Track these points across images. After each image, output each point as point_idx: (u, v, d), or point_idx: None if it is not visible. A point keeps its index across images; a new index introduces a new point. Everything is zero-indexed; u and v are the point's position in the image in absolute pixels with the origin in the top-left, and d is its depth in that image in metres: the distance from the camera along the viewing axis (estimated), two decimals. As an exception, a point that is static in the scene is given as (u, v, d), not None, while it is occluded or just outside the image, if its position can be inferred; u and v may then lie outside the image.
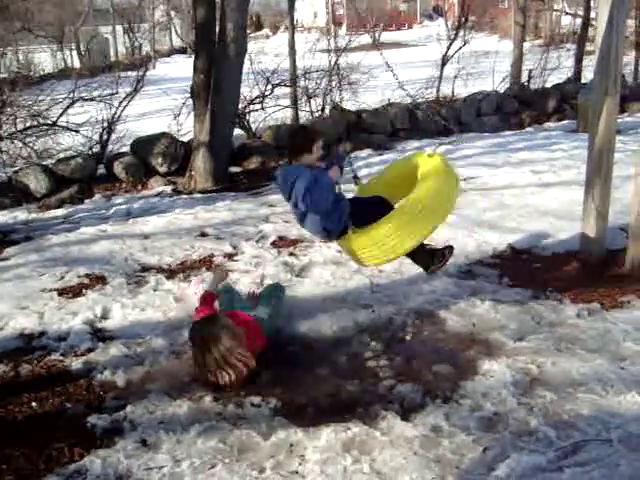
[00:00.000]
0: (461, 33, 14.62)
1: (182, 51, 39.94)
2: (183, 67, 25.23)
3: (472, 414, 3.53)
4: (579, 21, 26.71)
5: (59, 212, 8.30)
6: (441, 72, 13.89)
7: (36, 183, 8.95)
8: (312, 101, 12.23)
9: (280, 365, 4.17)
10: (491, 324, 4.60)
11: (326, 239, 4.71)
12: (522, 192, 8.01)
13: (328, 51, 13.46)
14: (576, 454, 3.16)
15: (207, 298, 4.40)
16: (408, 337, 4.49)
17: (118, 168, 9.44)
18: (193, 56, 9.52)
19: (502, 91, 14.60)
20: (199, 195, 8.66)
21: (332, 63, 12.15)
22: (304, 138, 4.47)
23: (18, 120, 10.47)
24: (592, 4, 16.72)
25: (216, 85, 8.76)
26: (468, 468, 3.08)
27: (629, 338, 4.27)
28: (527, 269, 5.67)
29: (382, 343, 4.41)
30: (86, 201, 8.82)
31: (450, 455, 3.18)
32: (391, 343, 4.41)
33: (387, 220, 4.19)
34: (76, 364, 4.19)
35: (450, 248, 4.66)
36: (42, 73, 21.47)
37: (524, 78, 15.60)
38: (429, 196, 4.23)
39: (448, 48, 14.11)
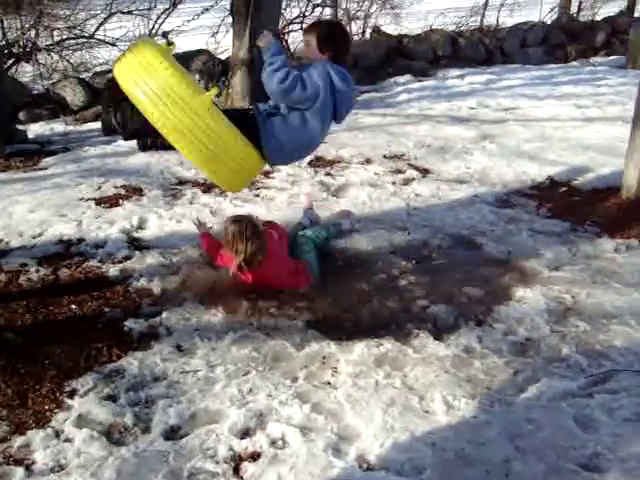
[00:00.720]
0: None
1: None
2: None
3: (505, 338, 3.53)
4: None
5: (95, 125, 8.29)
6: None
7: (73, 96, 8.93)
8: (353, 24, 11.92)
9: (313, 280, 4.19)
10: (527, 252, 4.56)
11: None
12: (564, 125, 7.83)
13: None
14: (606, 382, 3.16)
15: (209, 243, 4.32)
16: (443, 260, 4.47)
17: (155, 84, 9.36)
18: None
19: (549, 22, 14.10)
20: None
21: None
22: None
23: (55, 32, 10.41)
24: None
25: (257, 2, 8.55)
26: (498, 388, 3.10)
27: (666, 275, 4.21)
28: (566, 202, 5.58)
29: (417, 265, 4.39)
30: (123, 115, 8.77)
31: (481, 375, 3.19)
32: (425, 265, 4.40)
33: None
34: (113, 271, 4.25)
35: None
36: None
37: (574, 9, 15.03)
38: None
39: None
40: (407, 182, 5.84)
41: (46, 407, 2.99)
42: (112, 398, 3.02)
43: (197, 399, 2.99)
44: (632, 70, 11.91)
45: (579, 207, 5.45)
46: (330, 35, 3.66)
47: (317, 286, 4.08)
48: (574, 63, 13.03)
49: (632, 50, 12.25)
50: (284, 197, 5.42)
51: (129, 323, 3.62)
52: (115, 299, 3.93)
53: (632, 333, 3.56)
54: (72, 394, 3.06)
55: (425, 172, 6.15)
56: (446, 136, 7.09)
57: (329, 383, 3.13)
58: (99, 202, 5.39)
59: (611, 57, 13.60)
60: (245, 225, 3.94)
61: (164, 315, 3.70)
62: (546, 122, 7.95)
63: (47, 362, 3.30)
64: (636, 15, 14.99)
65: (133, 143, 4.61)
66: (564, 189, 5.88)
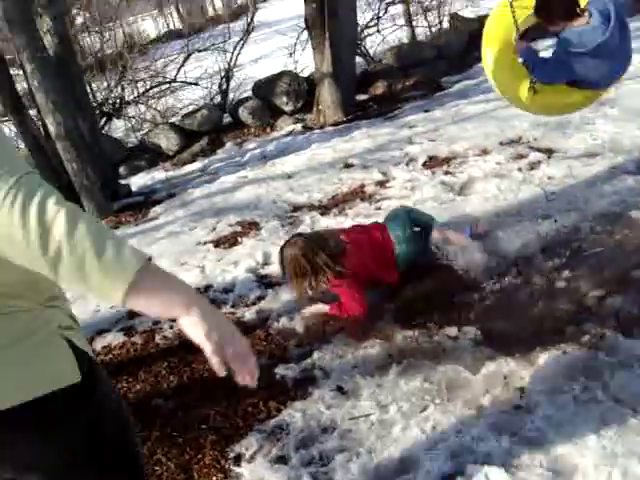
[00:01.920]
0: None
1: (278, -7, 39.28)
2: (282, 10, 24.82)
3: None
4: None
5: (194, 166, 8.25)
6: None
7: (167, 141, 8.94)
8: (428, 15, 11.49)
9: (460, 291, 3.79)
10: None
11: None
12: None
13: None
14: None
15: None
16: (601, 244, 3.98)
17: (244, 114, 9.25)
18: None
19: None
20: (331, 128, 8.32)
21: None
22: None
23: (139, 84, 10.55)
24: None
25: (331, 10, 8.28)
26: None
27: None
28: None
29: (573, 254, 3.92)
30: (218, 151, 8.72)
31: (695, 371, 2.72)
32: (584, 253, 3.93)
33: None
34: (249, 314, 4.00)
35: None
36: (149, 39, 21.67)
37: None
38: None
39: None
40: (534, 166, 5.34)
41: (214, 478, 2.74)
42: (282, 459, 2.73)
43: (377, 448, 2.64)
44: None
45: None
46: None
47: (470, 297, 3.68)
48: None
49: None
50: (410, 204, 5.04)
51: (280, 370, 3.33)
52: (258, 345, 3.66)
53: None
54: (238, 460, 2.79)
55: (549, 152, 5.64)
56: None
57: (520, 407, 2.73)
58: (217, 243, 5.20)
59: None
60: (293, 257, 3.61)
61: (315, 356, 3.39)
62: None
63: (204, 426, 3.06)
64: None
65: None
66: None
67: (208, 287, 4.48)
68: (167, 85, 10.55)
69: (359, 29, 10.42)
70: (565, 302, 3.45)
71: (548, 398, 2.72)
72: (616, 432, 2.46)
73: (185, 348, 3.79)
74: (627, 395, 2.65)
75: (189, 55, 10.40)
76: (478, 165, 5.58)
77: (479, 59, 10.14)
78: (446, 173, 5.59)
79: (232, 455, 2.83)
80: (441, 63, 10.20)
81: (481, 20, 10.95)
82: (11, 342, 1.44)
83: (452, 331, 3.36)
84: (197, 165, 8.21)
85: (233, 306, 4.17)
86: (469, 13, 11.58)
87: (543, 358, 2.97)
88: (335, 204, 5.50)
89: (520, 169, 5.31)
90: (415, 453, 2.57)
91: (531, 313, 3.43)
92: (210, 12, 33.81)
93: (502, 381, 2.90)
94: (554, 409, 2.65)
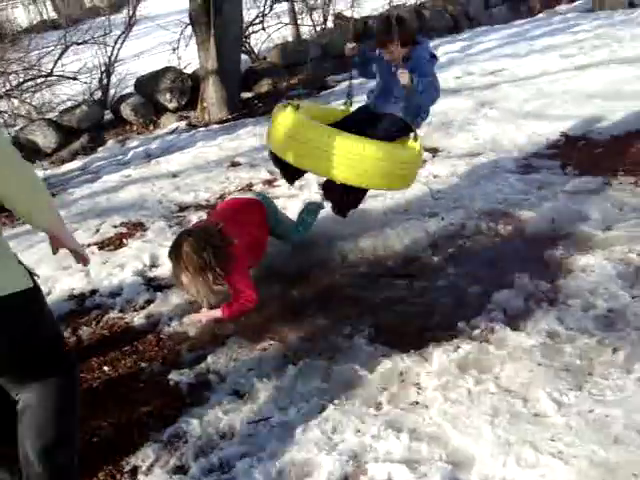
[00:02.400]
0: None
1: (158, -13, 38.37)
2: (164, 3, 24.24)
3: (586, 314, 3.20)
4: None
5: (74, 164, 7.88)
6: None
7: (44, 138, 8.48)
8: (314, 14, 11.55)
9: (357, 289, 3.83)
10: (572, 216, 4.23)
11: None
12: (558, 78, 7.53)
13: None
14: None
15: None
16: (487, 241, 4.14)
17: (126, 110, 8.94)
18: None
19: (506, -22, 13.79)
20: (216, 126, 8.19)
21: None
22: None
23: (11, 77, 9.96)
24: None
25: (217, 8, 8.16)
26: (602, 373, 2.77)
27: None
28: (589, 155, 5.27)
29: (460, 251, 4.06)
30: (99, 149, 8.37)
31: (578, 361, 2.86)
32: (470, 249, 4.06)
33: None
34: (138, 319, 3.84)
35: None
36: (20, 29, 20.58)
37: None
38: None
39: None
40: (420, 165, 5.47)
41: (108, 494, 2.62)
42: (182, 469, 2.64)
43: (279, 452, 2.60)
44: (601, 12, 11.69)
45: (604, 159, 5.14)
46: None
47: (363, 295, 3.72)
48: (541, 15, 12.77)
49: (596, -8, 12.04)
50: (298, 204, 5.01)
51: (173, 376, 3.22)
52: (149, 350, 3.53)
53: None
54: (134, 473, 2.67)
55: (434, 151, 5.81)
56: (443, 110, 6.73)
57: (417, 403, 2.77)
58: (102, 246, 4.99)
59: (575, 3, 13.36)
60: (180, 260, 3.39)
61: (210, 359, 3.30)
62: (539, 78, 7.63)
63: (95, 439, 2.91)
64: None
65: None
66: (582, 143, 5.57)
67: (94, 292, 4.28)
68: (43, 79, 10.01)
69: (244, 26, 10.34)
70: (455, 297, 3.56)
71: (443, 393, 2.78)
72: (508, 421, 2.56)
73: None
74: (517, 385, 2.76)
75: (67, 47, 9.90)
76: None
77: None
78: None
79: (128, 468, 2.70)
80: (326, 62, 10.28)
81: (365, 21, 11.17)
82: None
83: (347, 329, 3.38)
84: (77, 164, 7.85)
85: (121, 311, 4.00)
86: (353, 13, 11.71)
87: (437, 354, 3.03)
88: (224, 203, 5.41)
89: (407, 169, 5.41)
90: (317, 455, 2.55)
91: (420, 308, 3.51)
92: (87, 3, 32.59)
93: (398, 378, 2.94)
94: (449, 403, 2.71)
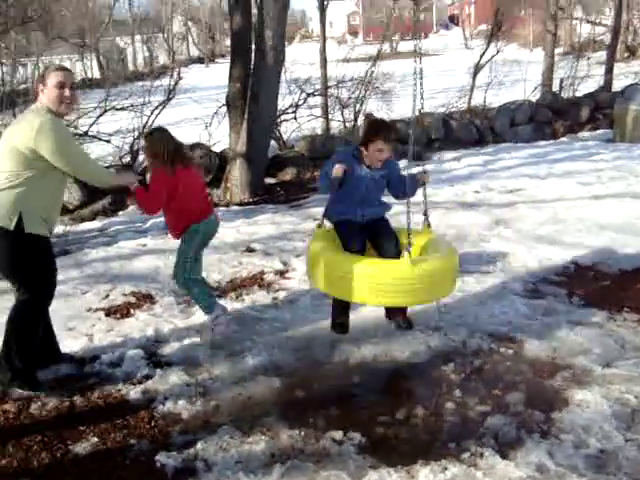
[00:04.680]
0: (490, 41, 14.34)
1: (199, 61, 39.82)
2: (203, 76, 25.12)
3: (577, 451, 3.21)
4: (598, 29, 26.55)
5: (93, 224, 8.05)
6: (473, 81, 13.59)
7: (68, 194, 8.68)
8: (345, 111, 11.96)
9: (353, 394, 3.87)
10: (573, 348, 4.28)
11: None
12: (574, 205, 7.70)
13: (364, 59, 13.15)
14: None
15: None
16: (487, 363, 4.18)
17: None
18: (212, 65, 9.34)
19: (534, 100, 14.28)
20: (237, 207, 8.38)
21: (366, 72, 11.82)
22: (367, 129, 4.36)
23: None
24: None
25: (253, 95, 8.51)
26: (588, 517, 2.76)
27: None
28: (596, 287, 5.36)
29: (460, 369, 4.09)
30: (120, 213, 8.57)
31: (565, 501, 2.86)
32: (470, 370, 4.10)
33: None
34: (135, 393, 3.88)
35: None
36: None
37: (555, 87, 15.31)
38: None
39: (481, 57, 13.80)
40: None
41: None
42: None
43: None
44: (621, 143, 12.02)
45: (611, 292, 5.23)
46: None
47: (359, 403, 3.75)
48: (564, 139, 13.13)
49: (618, 124, 12.43)
50: (307, 300, 5.11)
51: (161, 457, 3.23)
52: (141, 427, 3.55)
53: None
54: None
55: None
56: (458, 224, 6.90)
57: (399, 521, 2.77)
58: (109, 312, 5.06)
59: (598, 131, 13.76)
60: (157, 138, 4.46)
61: (199, 446, 3.32)
62: (555, 202, 7.81)
63: (75, 513, 2.91)
64: (614, 90, 15.27)
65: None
66: (591, 273, 5.67)
67: (94, 358, 4.32)
68: (78, 137, 10.34)
69: (277, 114, 10.70)
70: (448, 417, 3.58)
71: (425, 515, 2.78)
72: None
73: (62, 421, 3.64)
74: (500, 519, 2.75)
75: (105, 111, 10.29)
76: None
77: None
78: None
79: None
80: (351, 159, 10.55)
81: (392, 124, 11.53)
82: None
83: (338, 435, 3.39)
84: (96, 224, 8.02)
85: (119, 383, 4.02)
86: (383, 114, 12.11)
87: (424, 472, 3.04)
88: (233, 288, 5.50)
89: (419, 278, 5.51)
90: None
91: (414, 422, 3.53)
92: (130, 67, 33.85)
93: (383, 492, 2.93)
94: (431, 527, 2.71)
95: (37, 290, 3.86)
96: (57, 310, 5.00)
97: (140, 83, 13.39)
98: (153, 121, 10.31)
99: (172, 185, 4.36)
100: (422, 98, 3.96)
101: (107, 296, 5.36)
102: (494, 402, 3.72)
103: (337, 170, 4.07)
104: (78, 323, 4.87)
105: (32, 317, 3.86)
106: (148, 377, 4.07)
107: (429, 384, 3.96)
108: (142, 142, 4.63)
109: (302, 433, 3.42)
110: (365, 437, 3.37)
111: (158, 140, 4.44)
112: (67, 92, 3.70)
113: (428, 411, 3.65)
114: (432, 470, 3.06)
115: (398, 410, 3.66)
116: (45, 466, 3.26)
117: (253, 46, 8.72)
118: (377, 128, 4.24)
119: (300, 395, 3.87)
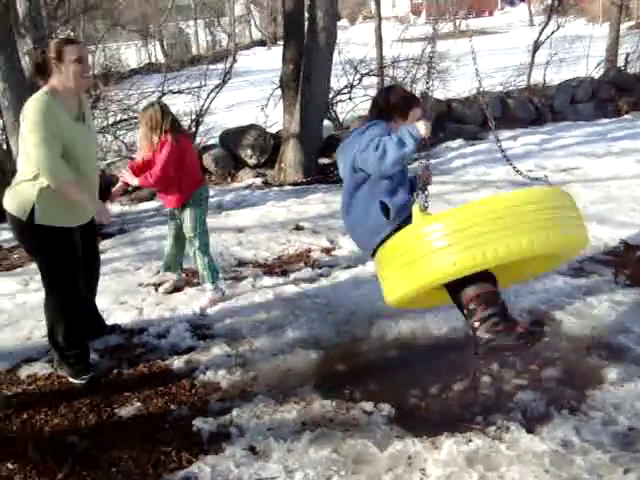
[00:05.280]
0: (553, 17, 13.97)
1: (262, 43, 40.03)
2: (265, 59, 25.32)
3: (605, 428, 3.22)
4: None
5: (150, 205, 8.32)
6: (532, 58, 13.31)
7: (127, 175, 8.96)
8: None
9: (390, 369, 3.97)
10: (613, 327, 4.26)
11: (377, 231, 3.30)
12: (629, 184, 7.52)
13: (421, 39, 13.05)
14: None
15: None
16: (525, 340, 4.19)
17: (207, 160, 9.41)
18: (274, 47, 9.46)
19: (597, 77, 13.89)
20: (290, 187, 8.53)
21: (422, 51, 11.72)
22: (402, 100, 3.51)
23: (109, 114, 10.64)
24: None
25: (306, 75, 8.60)
26: (608, 491, 2.80)
27: None
28: (645, 267, 5.27)
29: (495, 345, 4.11)
30: (177, 194, 8.79)
31: (586, 475, 2.88)
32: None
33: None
34: (178, 363, 4.08)
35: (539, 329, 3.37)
36: (129, 69, 21.91)
37: (620, 63, 14.82)
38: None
39: (540, 33, 13.49)
40: (473, 253, 5.59)
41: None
42: (185, 511, 2.81)
43: (278, 511, 2.75)
44: (690, 119, 11.61)
45: (660, 273, 5.14)
46: None
47: (394, 376, 3.85)
48: (627, 116, 12.74)
49: (686, 100, 11.98)
50: (349, 276, 5.23)
51: (198, 422, 3.42)
52: (182, 394, 3.75)
53: None
54: (142, 507, 2.86)
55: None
56: (508, 202, 6.85)
57: (419, 488, 2.87)
58: (159, 287, 5.27)
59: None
60: (152, 112, 4.65)
61: (234, 412, 3.49)
62: (610, 181, 7.66)
63: (114, 469, 3.11)
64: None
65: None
66: (640, 253, 5.57)
67: (142, 330, 4.55)
68: (137, 120, 10.67)
69: (332, 94, 10.76)
70: (478, 390, 3.65)
71: (446, 482, 2.86)
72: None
73: (110, 387, 3.86)
74: (519, 488, 2.81)
75: (163, 94, 10.56)
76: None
77: (444, 139, 10.61)
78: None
79: (136, 501, 2.89)
80: (406, 139, 10.54)
81: (449, 103, 11.45)
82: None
83: (369, 406, 3.50)
84: (153, 204, 8.28)
85: (164, 353, 4.24)
86: (439, 94, 12.03)
87: (448, 443, 3.12)
88: (280, 265, 5.66)
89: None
90: (313, 521, 2.68)
91: (444, 396, 3.61)
92: (194, 51, 34.32)
93: (406, 461, 3.03)
94: (450, 494, 2.79)
95: (55, 281, 3.85)
96: (109, 285, 5.29)
97: (198, 67, 13.67)
98: (209, 104, 10.52)
99: (181, 153, 4.68)
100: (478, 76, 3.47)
101: (158, 272, 5.57)
102: (529, 377, 3.75)
103: (427, 128, 3.17)
104: (129, 297, 5.10)
105: (59, 308, 3.88)
106: (192, 348, 4.27)
107: (465, 359, 3.99)
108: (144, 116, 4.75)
109: (334, 404, 3.54)
110: (395, 408, 3.47)
111: (162, 111, 4.66)
112: (87, 65, 3.73)
113: (462, 385, 3.72)
114: (456, 441, 3.13)
115: (432, 384, 3.73)
116: (92, 426, 3.49)
117: (306, 27, 8.79)
118: (412, 95, 3.72)
119: (336, 368, 3.99)
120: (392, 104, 3.51)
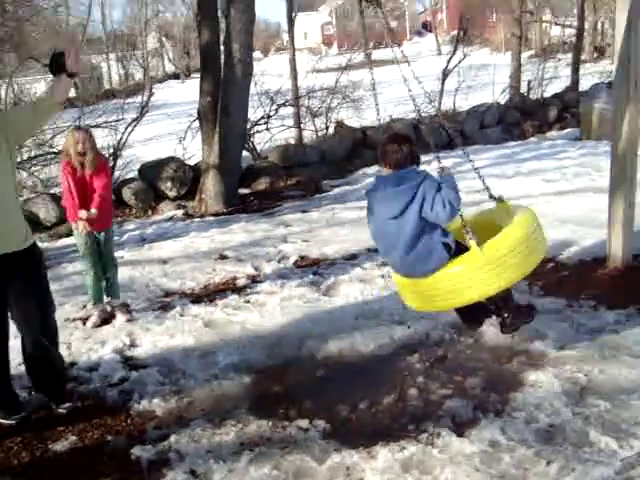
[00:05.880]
0: (460, 46, 14.66)
1: (175, 77, 40.01)
2: (180, 92, 25.30)
3: (528, 426, 3.42)
4: (568, 31, 27.09)
5: (71, 240, 8.14)
6: (442, 85, 13.88)
7: (46, 212, 8.84)
8: (316, 120, 12.20)
9: (320, 386, 4.09)
10: (530, 334, 4.48)
11: (438, 265, 3.67)
12: (537, 201, 7.92)
13: (335, 69, 13.42)
14: (644, 463, 3.06)
15: None
16: (448, 351, 4.39)
17: (127, 194, 9.36)
18: (188, 80, 9.57)
19: (503, 102, 14.60)
20: (211, 218, 8.58)
21: (336, 81, 12.09)
22: (407, 145, 3.82)
23: (24, 150, 10.43)
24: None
25: (224, 107, 8.72)
26: (535, 483, 2.97)
27: (673, 342, 4.17)
28: (556, 277, 5.58)
29: (422, 359, 4.30)
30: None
31: (513, 470, 3.07)
32: (432, 358, 4.31)
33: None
34: (111, 394, 4.07)
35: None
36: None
37: (523, 89, 15.65)
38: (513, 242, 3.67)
39: (448, 62, 14.11)
40: (396, 273, 5.79)
41: None
42: (131, 538, 2.82)
43: (223, 530, 2.79)
44: (587, 141, 12.32)
45: (570, 282, 5.45)
46: None
47: (324, 393, 3.96)
48: (532, 139, 13.44)
49: (584, 123, 12.73)
50: (276, 301, 5.34)
51: (136, 451, 3.43)
52: (117, 425, 3.74)
53: (655, 408, 3.48)
54: (86, 537, 2.84)
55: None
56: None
57: (358, 496, 2.97)
58: (86, 322, 5.23)
59: (565, 130, 14.08)
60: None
61: (172, 439, 3.51)
62: (520, 200, 8.02)
63: (55, 503, 3.09)
64: (581, 89, 15.63)
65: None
66: (551, 265, 5.89)
67: (72, 364, 4.51)
68: (53, 155, 10.49)
69: (249, 125, 10.91)
70: (407, 401, 3.80)
71: (384, 489, 2.98)
72: (440, 520, 2.75)
73: (42, 423, 3.80)
74: (452, 488, 2.96)
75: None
76: (345, 269, 5.98)
77: (360, 166, 10.89)
78: (315, 274, 5.97)
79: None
80: (323, 166, 10.80)
81: (364, 130, 11.80)
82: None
83: (304, 423, 3.60)
84: (73, 240, 8.14)
85: (96, 385, 4.21)
86: (354, 122, 12.38)
87: (383, 452, 3.24)
88: (207, 293, 5.72)
89: (383, 276, 5.74)
90: (257, 536, 2.74)
91: (376, 409, 3.74)
92: (106, 85, 33.94)
93: (345, 472, 3.14)
94: (390, 499, 2.91)
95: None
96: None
97: (114, 101, 13.59)
98: (127, 138, 10.48)
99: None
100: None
101: (84, 307, 5.53)
102: (454, 387, 3.93)
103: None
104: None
105: None
106: (124, 379, 4.26)
107: (393, 373, 4.16)
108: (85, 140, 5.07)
109: (270, 423, 3.62)
110: (329, 424, 3.58)
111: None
112: None
113: (391, 398, 3.86)
114: (391, 450, 3.26)
115: (362, 399, 3.86)
116: (25, 464, 3.44)
117: (222, 60, 8.92)
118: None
119: (269, 389, 4.07)
120: (415, 155, 3.86)
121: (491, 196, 4.23)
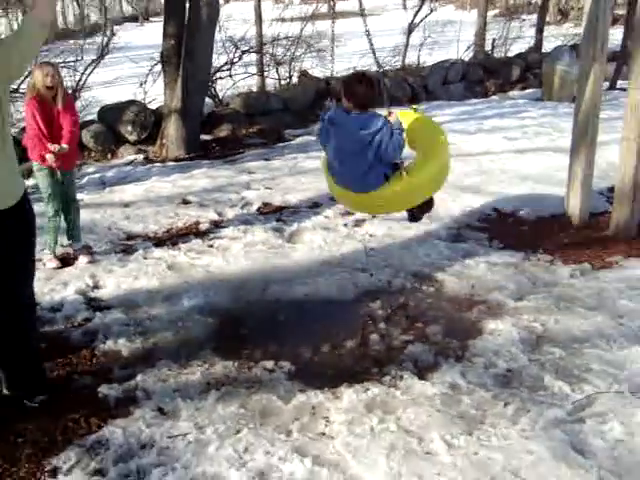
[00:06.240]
0: (426, 1, 14.56)
1: (134, 19, 38.84)
2: (138, 35, 24.61)
3: (487, 371, 3.56)
4: (533, -9, 27.06)
5: (29, 182, 8.01)
6: (407, 40, 13.82)
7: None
8: (280, 69, 12.05)
9: (284, 329, 4.16)
10: (489, 285, 4.63)
11: (370, 189, 4.21)
12: (499, 158, 8.05)
13: (301, 19, 13.22)
14: (592, 406, 3.21)
15: None
16: (409, 299, 4.49)
17: (86, 137, 9.15)
18: (146, 24, 9.31)
19: (467, 60, 14.62)
20: (172, 163, 8.47)
21: (301, 30, 11.92)
22: (372, 89, 4.15)
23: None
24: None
25: (188, 51, 8.54)
26: (492, 422, 3.10)
27: (624, 296, 4.33)
28: (515, 232, 5.71)
29: (384, 305, 4.40)
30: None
31: (473, 411, 3.19)
32: (393, 305, 4.41)
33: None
34: (75, 334, 4.07)
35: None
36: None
37: (487, 47, 15.66)
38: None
39: (414, 16, 14.02)
40: (358, 223, 5.86)
41: (28, 490, 2.80)
42: (100, 472, 2.86)
43: (192, 464, 2.86)
44: (548, 102, 12.44)
45: (528, 236, 5.59)
46: None
47: (289, 336, 4.03)
48: (494, 97, 13.51)
49: (546, 84, 12.84)
50: (239, 246, 5.36)
51: (103, 389, 3.45)
52: (83, 365, 3.75)
53: (604, 355, 3.65)
54: (54, 473, 2.88)
55: (375, 212, 6.20)
56: (389, 175, 7.16)
57: (324, 434, 3.06)
58: (47, 263, 5.16)
59: (527, 90, 14.16)
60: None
61: (139, 378, 3.55)
62: (481, 156, 8.16)
63: (20, 440, 3.10)
64: (544, 51, 15.71)
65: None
66: (511, 220, 6.03)
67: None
68: (10, 94, 10.18)
69: (212, 71, 10.73)
70: (371, 345, 3.91)
71: (348, 427, 3.08)
72: (403, 456, 2.87)
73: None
74: (415, 427, 3.08)
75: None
76: (308, 216, 6.02)
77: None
78: (278, 220, 6.00)
79: (48, 468, 2.91)
80: (286, 115, 10.72)
81: (328, 80, 11.70)
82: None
83: (269, 364, 3.67)
84: (30, 182, 7.99)
85: (60, 325, 4.20)
86: (318, 72, 12.26)
87: (347, 393, 3.34)
88: (169, 237, 5.70)
89: (346, 224, 5.81)
90: (227, 470, 2.81)
91: (339, 352, 3.85)
92: (60, 25, 32.78)
93: (310, 411, 3.23)
94: (352, 437, 3.01)
95: None
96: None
97: (72, 41, 13.19)
98: (86, 79, 10.21)
99: None
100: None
101: (42, 249, 5.44)
102: (416, 333, 4.04)
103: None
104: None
105: None
106: (88, 319, 4.27)
107: (356, 319, 4.25)
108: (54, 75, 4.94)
109: (236, 364, 3.68)
110: (294, 365, 3.66)
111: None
112: None
113: (354, 342, 3.95)
114: (355, 391, 3.35)
115: (326, 342, 3.95)
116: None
117: (187, 2, 8.71)
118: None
119: (234, 332, 4.13)
120: (371, 97, 4.15)
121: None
